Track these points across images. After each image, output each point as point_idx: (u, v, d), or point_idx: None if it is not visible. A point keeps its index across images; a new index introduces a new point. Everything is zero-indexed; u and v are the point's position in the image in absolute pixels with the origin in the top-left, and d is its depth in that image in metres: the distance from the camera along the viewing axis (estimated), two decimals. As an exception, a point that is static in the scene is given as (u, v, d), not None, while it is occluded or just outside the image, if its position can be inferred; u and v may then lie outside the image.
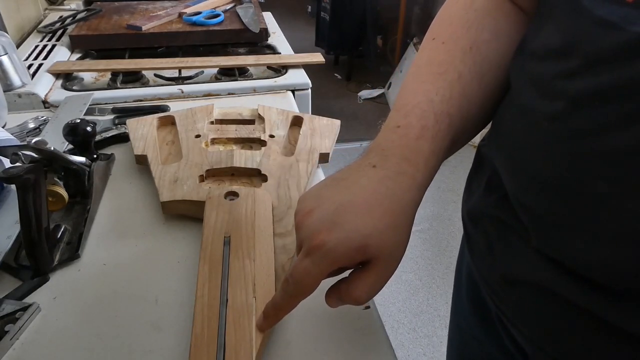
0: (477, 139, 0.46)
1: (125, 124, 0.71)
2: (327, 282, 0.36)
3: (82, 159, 0.54)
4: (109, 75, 0.92)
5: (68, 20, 1.13)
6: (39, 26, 1.12)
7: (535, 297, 0.34)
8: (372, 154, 0.38)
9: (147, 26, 1.04)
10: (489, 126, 0.44)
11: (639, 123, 0.26)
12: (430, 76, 0.40)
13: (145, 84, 0.91)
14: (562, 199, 0.31)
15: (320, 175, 0.63)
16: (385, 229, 0.33)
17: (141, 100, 0.84)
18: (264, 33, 1.09)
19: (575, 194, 0.30)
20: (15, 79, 0.81)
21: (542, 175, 0.33)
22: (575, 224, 0.31)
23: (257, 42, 1.10)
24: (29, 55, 0.97)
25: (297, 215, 0.36)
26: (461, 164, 2.20)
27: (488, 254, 0.40)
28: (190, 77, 0.92)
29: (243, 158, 0.60)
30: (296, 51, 1.06)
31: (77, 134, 0.58)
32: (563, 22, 0.32)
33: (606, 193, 0.28)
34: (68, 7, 1.27)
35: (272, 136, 0.65)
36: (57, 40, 1.06)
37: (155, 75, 0.93)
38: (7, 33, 0.85)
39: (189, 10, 1.12)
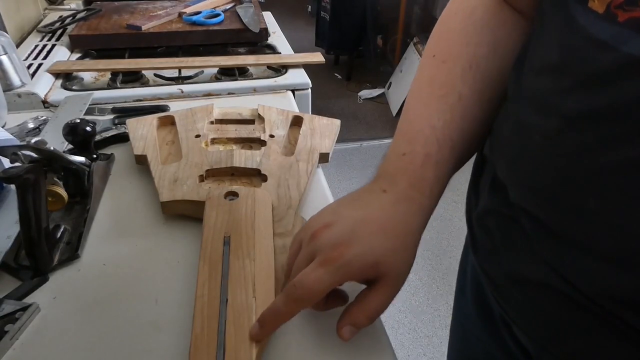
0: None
1: (125, 123, 0.71)
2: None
3: (82, 159, 0.54)
4: (108, 75, 0.92)
5: (68, 20, 1.13)
6: (39, 26, 1.12)
7: (540, 296, 0.34)
8: (381, 179, 0.40)
9: (147, 26, 1.04)
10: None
11: (629, 144, 0.26)
12: (432, 99, 0.42)
13: (145, 83, 0.91)
14: (555, 212, 0.31)
15: (321, 175, 0.63)
16: (396, 249, 0.36)
17: (141, 100, 0.84)
18: (264, 33, 1.09)
19: (567, 208, 0.30)
20: (15, 79, 0.81)
21: (537, 187, 0.33)
22: (567, 237, 0.31)
23: (257, 42, 1.10)
24: (29, 55, 0.97)
25: (315, 226, 0.38)
26: (461, 164, 2.19)
27: (493, 252, 0.40)
28: (190, 77, 0.92)
29: (243, 158, 0.60)
30: (296, 51, 1.06)
31: (77, 134, 0.58)
32: (558, 38, 0.32)
33: (596, 210, 0.29)
34: (68, 7, 1.27)
35: (272, 136, 0.65)
36: (57, 40, 1.06)
37: (155, 75, 0.93)
38: (7, 33, 0.84)
39: (188, 10, 1.12)
